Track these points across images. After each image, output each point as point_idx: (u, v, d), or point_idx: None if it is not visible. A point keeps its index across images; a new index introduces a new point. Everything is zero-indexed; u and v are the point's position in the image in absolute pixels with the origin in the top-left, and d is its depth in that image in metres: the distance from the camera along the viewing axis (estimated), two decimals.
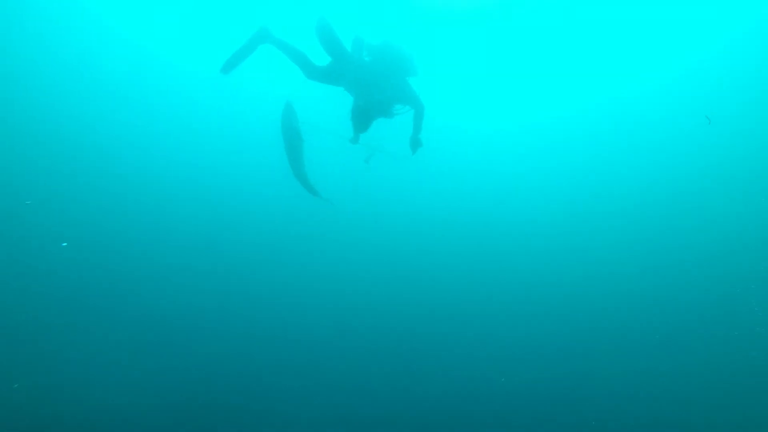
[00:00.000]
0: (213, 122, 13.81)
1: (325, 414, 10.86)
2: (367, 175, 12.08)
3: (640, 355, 11.92)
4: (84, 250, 11.66)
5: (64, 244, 11.55)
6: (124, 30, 12.15)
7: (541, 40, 11.67)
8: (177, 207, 13.24)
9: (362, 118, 4.26)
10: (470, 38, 11.65)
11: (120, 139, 12.75)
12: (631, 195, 13.45)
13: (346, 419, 10.81)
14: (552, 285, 13.23)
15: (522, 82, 12.75)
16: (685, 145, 12.77)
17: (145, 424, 9.53)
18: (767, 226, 12.11)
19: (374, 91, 4.23)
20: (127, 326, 10.97)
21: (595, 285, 13.04)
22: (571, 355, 12.31)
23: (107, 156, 12.54)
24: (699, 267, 12.55)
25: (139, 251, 12.37)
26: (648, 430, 10.88)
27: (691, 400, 11.04)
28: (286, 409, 10.85)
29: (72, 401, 9.31)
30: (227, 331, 11.90)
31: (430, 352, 12.50)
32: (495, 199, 14.36)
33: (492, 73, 12.56)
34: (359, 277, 13.47)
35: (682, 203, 13.06)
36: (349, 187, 12.75)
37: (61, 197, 11.80)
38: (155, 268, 12.29)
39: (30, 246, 11.16)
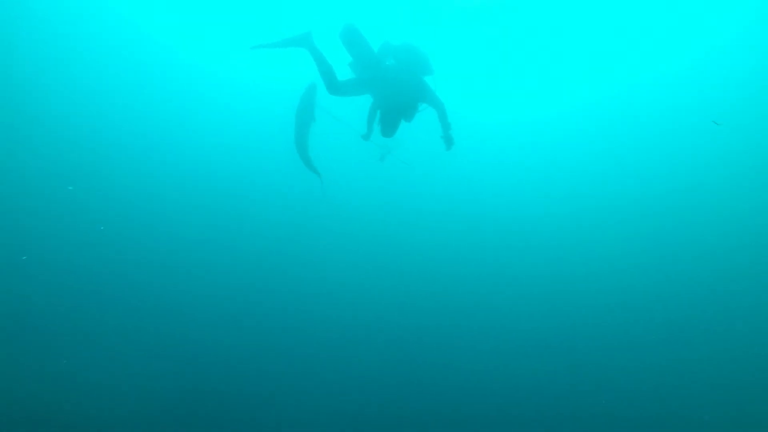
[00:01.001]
0: (224, 120, 14.04)
1: (334, 412, 10.86)
2: (379, 171, 12.15)
3: (644, 351, 11.90)
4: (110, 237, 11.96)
5: (102, 227, 11.86)
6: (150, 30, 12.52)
7: (547, 35, 11.70)
8: (178, 205, 13.30)
9: (390, 122, 4.43)
10: (474, 34, 11.72)
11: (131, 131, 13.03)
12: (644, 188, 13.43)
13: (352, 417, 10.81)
14: (559, 280, 13.25)
15: (529, 76, 12.84)
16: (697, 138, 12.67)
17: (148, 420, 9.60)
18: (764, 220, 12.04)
19: (400, 93, 4.38)
20: (128, 324, 11.05)
21: (599, 280, 13.05)
22: (575, 351, 12.29)
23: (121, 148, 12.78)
24: (699, 261, 12.55)
25: (157, 244, 12.55)
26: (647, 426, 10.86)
27: (688, 397, 11.05)
28: (291, 405, 10.89)
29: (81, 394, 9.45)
30: (232, 328, 11.92)
31: (442, 349, 12.42)
32: (498, 193, 14.44)
33: (498, 69, 12.63)
34: (367, 272, 13.50)
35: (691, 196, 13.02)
36: (360, 182, 12.90)
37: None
38: (168, 262, 12.41)
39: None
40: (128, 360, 10.34)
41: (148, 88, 13.12)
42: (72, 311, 10.74)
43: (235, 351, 11.45)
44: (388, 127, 4.46)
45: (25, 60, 11.40)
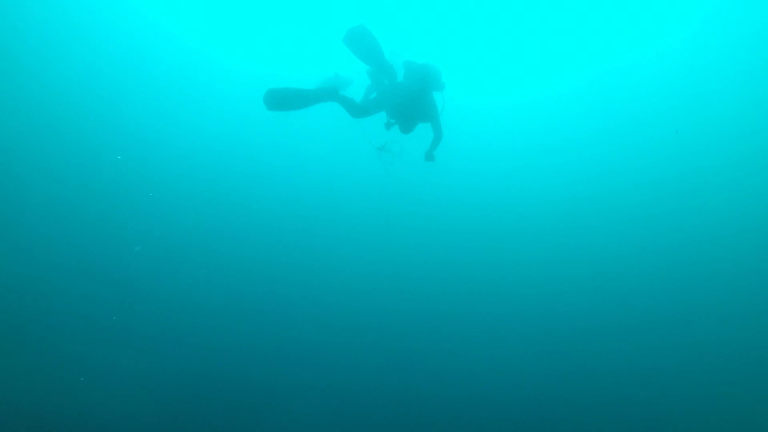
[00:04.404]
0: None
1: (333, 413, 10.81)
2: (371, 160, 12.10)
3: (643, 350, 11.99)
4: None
5: (151, 194, 12.36)
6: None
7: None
8: (176, 208, 13.39)
9: (406, 123, 4.68)
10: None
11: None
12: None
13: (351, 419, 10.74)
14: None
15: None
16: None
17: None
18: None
19: (409, 108, 4.57)
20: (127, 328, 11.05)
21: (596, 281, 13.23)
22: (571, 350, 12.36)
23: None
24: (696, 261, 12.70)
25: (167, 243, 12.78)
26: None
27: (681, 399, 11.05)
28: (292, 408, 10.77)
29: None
30: (230, 329, 11.86)
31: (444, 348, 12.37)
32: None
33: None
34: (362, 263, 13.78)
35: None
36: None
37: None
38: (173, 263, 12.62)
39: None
40: (128, 356, 10.43)
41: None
42: (77, 303, 10.94)
43: (233, 349, 11.47)
44: (405, 125, 4.70)
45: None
